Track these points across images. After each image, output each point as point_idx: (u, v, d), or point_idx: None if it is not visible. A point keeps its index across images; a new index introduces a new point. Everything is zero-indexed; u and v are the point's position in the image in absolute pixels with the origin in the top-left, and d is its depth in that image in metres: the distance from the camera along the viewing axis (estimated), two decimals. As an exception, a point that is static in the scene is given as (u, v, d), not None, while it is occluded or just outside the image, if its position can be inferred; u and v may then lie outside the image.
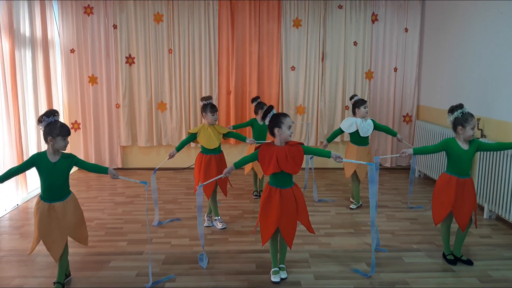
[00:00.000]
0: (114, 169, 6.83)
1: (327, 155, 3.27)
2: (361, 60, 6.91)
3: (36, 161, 3.04)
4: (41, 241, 3.09)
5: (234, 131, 4.83)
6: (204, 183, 3.57)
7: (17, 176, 3.41)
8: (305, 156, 3.24)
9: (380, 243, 4.02)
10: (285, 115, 3.20)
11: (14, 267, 3.57)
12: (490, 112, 4.93)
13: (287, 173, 3.17)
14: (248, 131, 6.59)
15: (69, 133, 3.08)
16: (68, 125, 5.71)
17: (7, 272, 3.47)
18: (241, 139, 4.52)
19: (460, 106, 3.50)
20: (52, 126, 3.01)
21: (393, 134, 4.94)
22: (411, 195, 5.24)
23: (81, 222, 3.25)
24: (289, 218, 3.20)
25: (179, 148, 4.34)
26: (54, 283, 3.18)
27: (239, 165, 3.32)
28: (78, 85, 6.71)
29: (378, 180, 3.67)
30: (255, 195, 5.55)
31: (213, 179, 3.69)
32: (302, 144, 3.22)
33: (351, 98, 5.06)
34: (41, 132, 3.05)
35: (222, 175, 3.37)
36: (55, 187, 3.07)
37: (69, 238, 3.16)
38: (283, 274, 3.37)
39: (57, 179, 3.06)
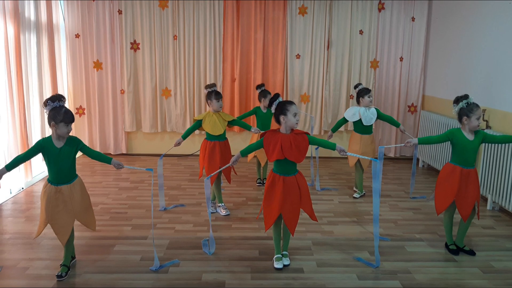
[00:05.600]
0: (119, 155, 6.90)
1: (332, 147, 3.27)
2: (367, 49, 6.87)
3: (43, 146, 3.04)
4: (47, 225, 3.11)
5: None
6: (212, 175, 3.58)
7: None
8: (311, 146, 3.23)
9: (381, 231, 4.05)
10: (290, 102, 3.20)
11: (20, 249, 3.61)
12: (496, 103, 4.91)
13: (291, 161, 3.17)
14: (252, 120, 6.60)
15: (72, 120, 3.06)
16: (73, 111, 5.75)
17: (13, 254, 3.52)
18: (246, 127, 4.51)
19: (466, 96, 3.49)
20: (56, 111, 2.99)
21: (396, 125, 4.93)
22: (414, 185, 5.24)
23: (88, 206, 3.28)
24: (292, 205, 3.22)
25: (185, 136, 4.36)
26: (61, 265, 3.22)
27: (245, 152, 3.35)
28: (83, 70, 6.71)
29: (382, 170, 3.67)
30: (259, 183, 5.58)
31: (220, 169, 3.74)
32: (308, 133, 3.22)
33: (355, 87, 5.05)
34: (46, 116, 3.05)
35: (229, 164, 3.38)
36: (62, 172, 3.09)
37: (75, 222, 3.18)
38: (286, 261, 3.40)
39: (64, 163, 3.07)
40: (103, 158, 3.28)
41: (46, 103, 2.99)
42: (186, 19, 6.68)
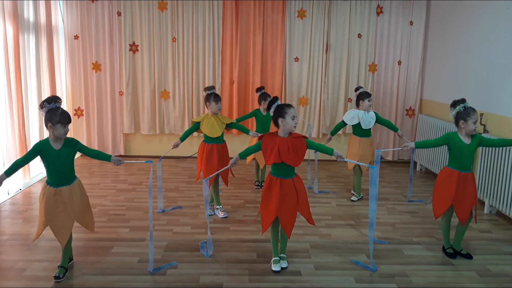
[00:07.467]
0: (117, 156, 6.89)
1: (330, 152, 3.27)
2: (365, 53, 6.89)
3: (41, 149, 3.04)
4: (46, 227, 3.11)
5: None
6: (210, 177, 3.58)
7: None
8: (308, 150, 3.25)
9: (378, 234, 4.05)
10: (289, 105, 3.21)
11: (18, 250, 3.60)
12: (493, 108, 4.93)
13: (288, 164, 3.18)
14: (251, 122, 6.61)
15: (69, 121, 3.07)
16: (70, 112, 5.74)
17: (10, 255, 3.51)
18: (244, 131, 4.52)
19: (463, 100, 3.51)
20: (53, 112, 3.00)
21: (394, 129, 4.95)
22: (412, 189, 5.26)
23: (87, 208, 3.29)
24: (289, 208, 3.22)
25: (183, 138, 4.37)
26: (58, 266, 3.22)
27: (244, 155, 3.35)
28: (81, 72, 6.71)
29: (379, 173, 3.68)
30: (257, 185, 5.58)
31: (219, 171, 3.76)
32: (306, 137, 3.23)
33: (356, 90, 5.07)
34: (43, 118, 3.05)
35: (228, 166, 3.38)
36: (61, 173, 3.09)
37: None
38: (284, 264, 3.40)
39: (62, 165, 3.07)
40: (102, 156, 3.30)
41: (42, 105, 3.00)
42: (185, 21, 6.69)
